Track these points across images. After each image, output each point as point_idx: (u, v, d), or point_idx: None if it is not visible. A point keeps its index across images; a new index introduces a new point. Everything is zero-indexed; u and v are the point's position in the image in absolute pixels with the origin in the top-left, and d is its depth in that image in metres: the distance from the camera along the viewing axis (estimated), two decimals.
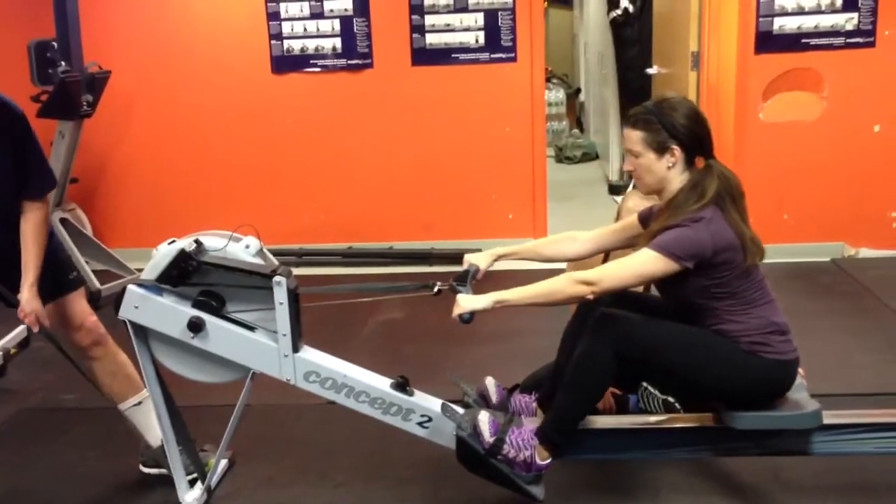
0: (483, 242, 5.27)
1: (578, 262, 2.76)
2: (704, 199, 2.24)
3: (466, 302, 2.30)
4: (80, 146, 4.87)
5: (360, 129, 5.33)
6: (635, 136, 2.30)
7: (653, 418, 2.53)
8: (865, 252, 5.01)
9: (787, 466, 2.67)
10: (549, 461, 2.34)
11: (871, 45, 4.77)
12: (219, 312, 2.44)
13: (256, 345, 2.43)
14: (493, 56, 5.13)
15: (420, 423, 2.44)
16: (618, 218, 2.86)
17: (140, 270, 5.16)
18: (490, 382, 2.60)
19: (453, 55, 5.15)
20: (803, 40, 4.79)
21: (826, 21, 4.77)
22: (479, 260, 2.52)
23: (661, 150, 2.28)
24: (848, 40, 4.78)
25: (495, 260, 2.57)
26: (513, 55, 5.12)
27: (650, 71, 5.89)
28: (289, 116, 5.35)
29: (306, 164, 5.43)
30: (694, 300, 2.29)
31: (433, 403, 2.45)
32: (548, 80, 9.33)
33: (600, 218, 6.37)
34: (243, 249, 2.47)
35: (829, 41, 4.78)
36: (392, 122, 5.30)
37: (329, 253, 5.43)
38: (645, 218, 2.49)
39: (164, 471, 2.71)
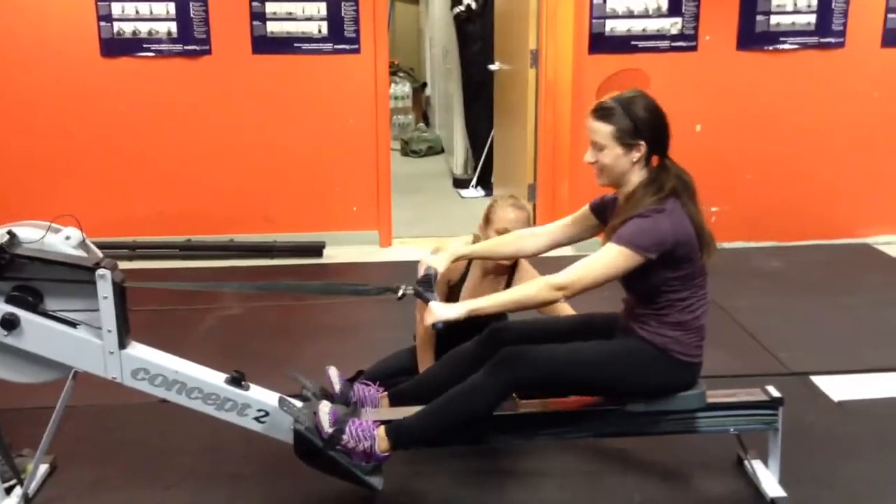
0: (327, 235, 5.25)
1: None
2: (662, 192, 2.27)
3: (440, 310, 2.28)
4: None
5: (197, 118, 5.15)
6: (604, 130, 2.28)
7: (540, 403, 2.52)
8: None
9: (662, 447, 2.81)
10: (388, 453, 2.34)
11: (694, 48, 5.08)
12: (36, 308, 2.29)
13: (78, 342, 2.31)
14: (336, 47, 5.07)
15: (256, 419, 2.39)
16: (486, 223, 2.88)
17: None
18: (333, 373, 2.57)
19: (296, 45, 5.06)
20: (633, 42, 5.04)
21: (653, 25, 5.03)
22: (436, 262, 2.47)
23: (628, 144, 2.28)
24: (672, 44, 5.06)
25: (454, 261, 2.53)
26: (356, 47, 5.08)
27: (492, 67, 6.03)
28: (121, 102, 5.09)
29: (141, 153, 5.18)
30: (652, 292, 2.32)
31: (270, 398, 2.40)
32: (394, 73, 9.36)
33: (445, 210, 6.51)
34: (63, 241, 2.34)
35: (655, 44, 5.05)
36: (232, 112, 5.15)
37: (166, 246, 5.21)
38: (597, 207, 2.52)
39: None
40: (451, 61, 7.34)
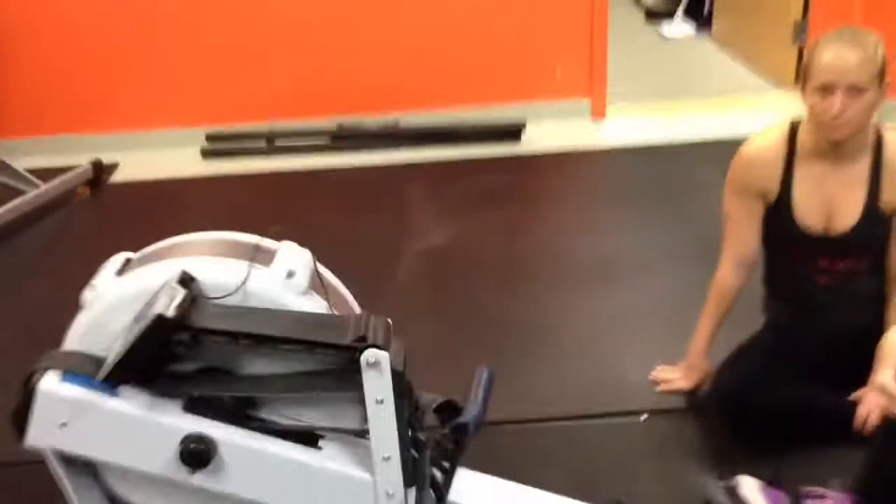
0: (524, 108, 4.02)
1: None
2: None
3: None
4: None
5: None
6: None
7: None
8: None
9: None
10: None
11: None
12: (241, 418, 1.17)
13: (326, 479, 1.20)
14: None
15: None
16: (804, 79, 1.90)
17: (38, 173, 3.78)
18: (751, 487, 1.45)
19: None
20: None
21: None
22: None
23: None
24: None
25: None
26: None
27: None
28: None
29: (277, 15, 3.95)
30: None
31: None
32: None
33: (649, 57, 5.04)
34: (282, 282, 1.16)
35: None
36: None
37: (311, 133, 4.04)
38: None
39: None
40: None
